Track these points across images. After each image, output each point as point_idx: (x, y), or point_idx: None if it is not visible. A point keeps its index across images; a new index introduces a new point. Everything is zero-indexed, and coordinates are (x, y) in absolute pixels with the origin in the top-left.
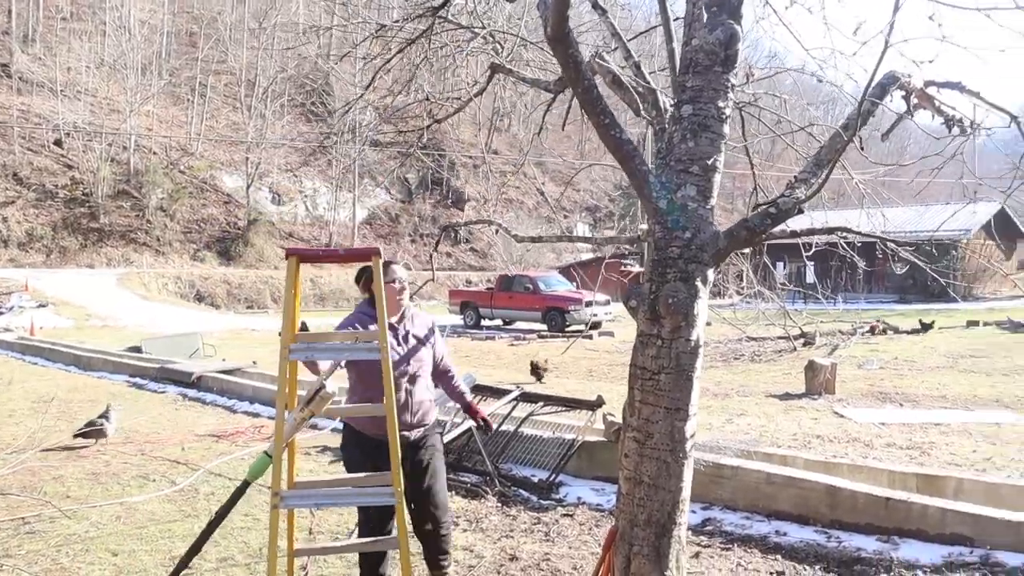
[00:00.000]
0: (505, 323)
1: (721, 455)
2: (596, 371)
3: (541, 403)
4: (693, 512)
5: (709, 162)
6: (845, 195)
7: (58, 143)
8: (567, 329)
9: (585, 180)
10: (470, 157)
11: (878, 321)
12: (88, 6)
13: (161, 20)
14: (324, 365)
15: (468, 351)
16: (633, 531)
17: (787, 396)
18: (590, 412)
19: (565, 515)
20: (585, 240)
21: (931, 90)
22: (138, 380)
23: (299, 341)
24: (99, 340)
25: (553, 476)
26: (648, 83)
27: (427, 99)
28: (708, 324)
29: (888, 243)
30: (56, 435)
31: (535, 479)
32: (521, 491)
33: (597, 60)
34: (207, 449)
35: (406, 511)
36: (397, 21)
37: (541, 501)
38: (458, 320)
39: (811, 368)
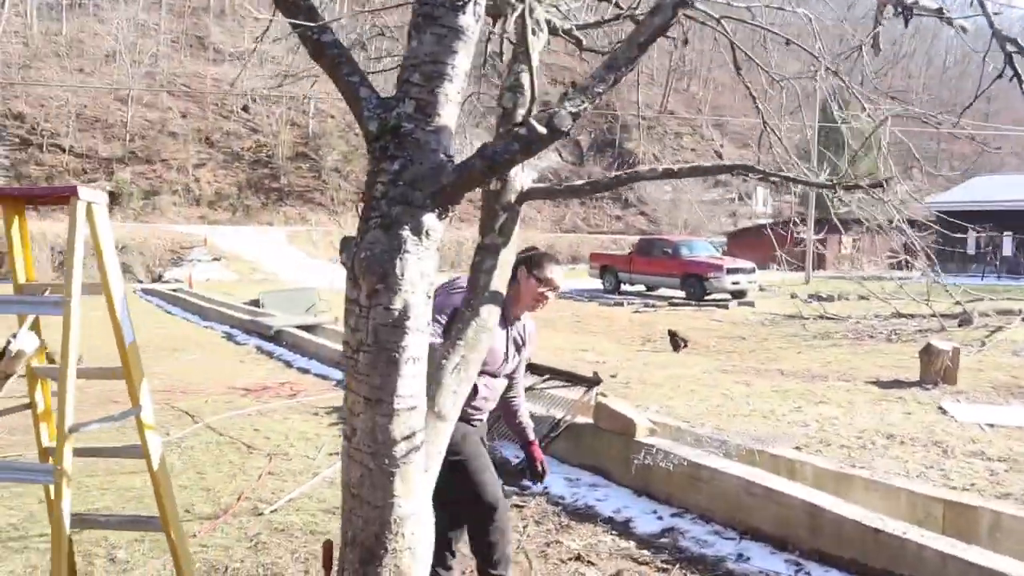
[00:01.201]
0: (648, 289)
1: (707, 453)
2: (700, 344)
3: (547, 375)
4: (659, 518)
5: (435, 67)
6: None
7: (245, 108)
8: (707, 297)
9: (768, 141)
10: (644, 118)
11: None
12: None
13: None
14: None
15: (584, 316)
16: (344, 550)
17: (893, 384)
18: (586, 389)
19: (514, 506)
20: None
21: None
22: (232, 331)
23: None
24: (247, 293)
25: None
26: None
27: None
28: (864, 298)
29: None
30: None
31: (515, 460)
32: None
33: None
34: (227, 403)
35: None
36: None
37: (505, 487)
38: (598, 284)
39: (927, 352)
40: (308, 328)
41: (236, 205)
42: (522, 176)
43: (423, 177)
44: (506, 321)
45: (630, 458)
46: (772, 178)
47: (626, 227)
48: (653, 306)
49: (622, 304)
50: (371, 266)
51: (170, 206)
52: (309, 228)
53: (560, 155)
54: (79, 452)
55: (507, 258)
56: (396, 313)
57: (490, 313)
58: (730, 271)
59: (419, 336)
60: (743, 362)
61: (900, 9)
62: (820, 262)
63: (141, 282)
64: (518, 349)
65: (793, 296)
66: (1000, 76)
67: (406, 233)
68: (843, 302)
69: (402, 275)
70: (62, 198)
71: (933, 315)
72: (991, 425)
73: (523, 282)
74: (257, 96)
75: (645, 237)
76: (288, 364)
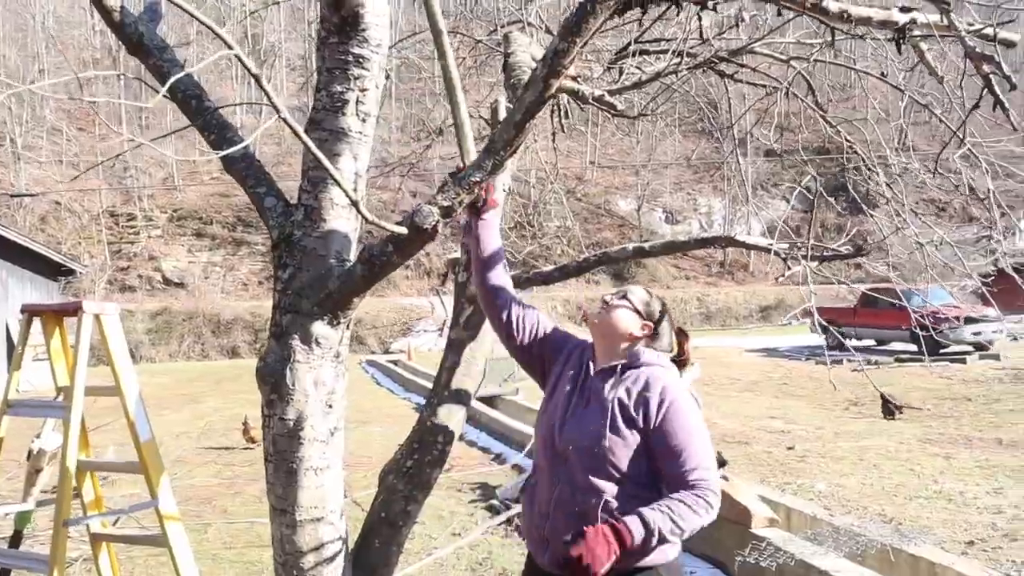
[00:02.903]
0: (879, 344)
1: (827, 551)
2: (917, 407)
3: None
4: None
5: (318, 172)
6: None
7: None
8: (943, 351)
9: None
10: (879, 157)
11: None
12: None
13: None
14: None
15: (795, 376)
16: None
17: None
18: None
19: None
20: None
21: None
22: (423, 402)
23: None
24: None
25: None
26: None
27: None
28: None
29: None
30: None
31: None
32: None
33: None
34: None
35: None
36: None
37: None
38: (819, 341)
39: None
40: (488, 399)
41: (451, 278)
42: None
43: (310, 284)
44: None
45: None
46: (749, 248)
47: (865, 275)
48: (876, 363)
49: (841, 362)
50: (265, 376)
51: (403, 280)
52: (532, 295)
53: (788, 202)
54: (103, 537)
55: (474, 354)
56: (291, 423)
57: (449, 414)
58: (969, 320)
59: (318, 446)
60: (957, 429)
61: (894, 34)
62: None
63: (374, 353)
64: (614, 406)
65: None
66: (977, 106)
67: (295, 343)
68: None
69: (294, 385)
70: (75, 311)
71: None
72: None
73: None
74: None
75: (871, 287)
76: (460, 436)
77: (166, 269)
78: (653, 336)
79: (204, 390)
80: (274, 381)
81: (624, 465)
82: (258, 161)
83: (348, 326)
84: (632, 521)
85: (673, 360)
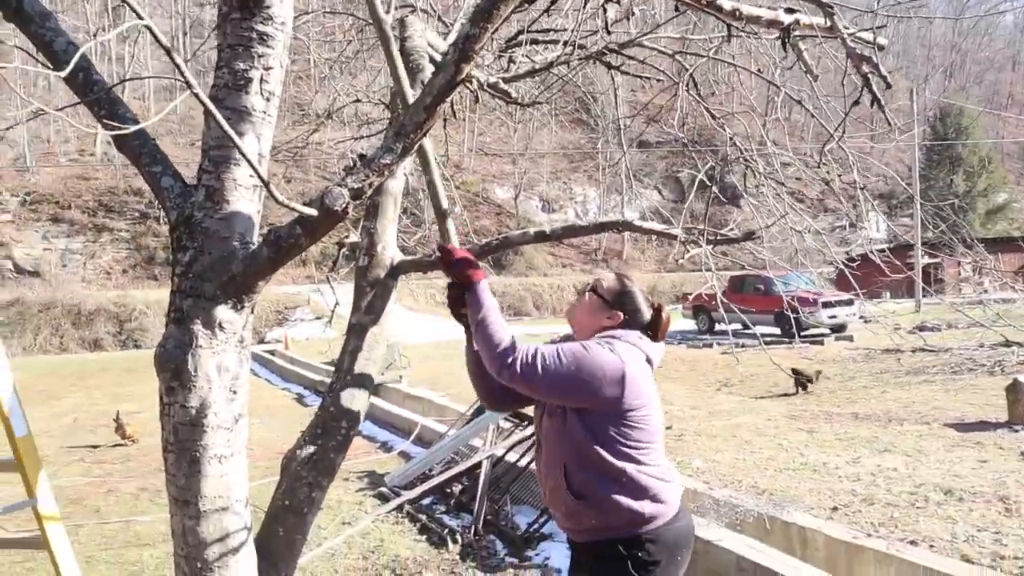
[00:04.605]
0: (745, 328)
1: (709, 521)
2: (780, 386)
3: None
4: None
5: (220, 152)
6: None
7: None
8: (803, 334)
9: (879, 162)
10: (746, 150)
11: None
12: None
13: None
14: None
15: (669, 360)
16: None
17: (977, 426)
18: None
19: None
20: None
21: None
22: (305, 392)
23: None
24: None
25: (535, 527)
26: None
27: None
28: (982, 326)
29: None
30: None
31: (522, 528)
32: (498, 542)
33: None
34: (267, 469)
35: None
36: None
37: (507, 559)
38: (691, 326)
39: (1014, 389)
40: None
41: (341, 262)
42: (391, 250)
43: (212, 267)
44: None
45: None
46: (646, 233)
47: (732, 264)
48: (743, 346)
49: (711, 345)
50: (164, 363)
51: None
52: (409, 281)
53: (661, 193)
54: None
55: (376, 338)
56: (193, 411)
57: (352, 398)
58: (826, 304)
59: (222, 433)
60: (819, 406)
61: (780, 33)
62: (938, 287)
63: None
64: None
65: (897, 328)
66: (857, 103)
67: (197, 327)
68: (953, 331)
69: (195, 371)
70: None
71: None
72: None
73: None
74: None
75: (736, 274)
76: None
77: (18, 257)
78: (629, 321)
79: (64, 386)
80: (174, 367)
81: (567, 446)
82: (153, 139)
83: (252, 310)
84: (481, 285)
85: (648, 329)
